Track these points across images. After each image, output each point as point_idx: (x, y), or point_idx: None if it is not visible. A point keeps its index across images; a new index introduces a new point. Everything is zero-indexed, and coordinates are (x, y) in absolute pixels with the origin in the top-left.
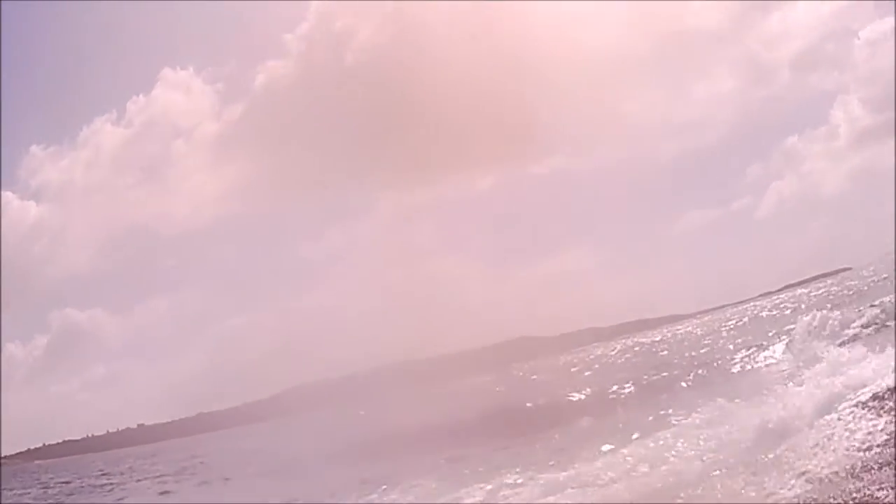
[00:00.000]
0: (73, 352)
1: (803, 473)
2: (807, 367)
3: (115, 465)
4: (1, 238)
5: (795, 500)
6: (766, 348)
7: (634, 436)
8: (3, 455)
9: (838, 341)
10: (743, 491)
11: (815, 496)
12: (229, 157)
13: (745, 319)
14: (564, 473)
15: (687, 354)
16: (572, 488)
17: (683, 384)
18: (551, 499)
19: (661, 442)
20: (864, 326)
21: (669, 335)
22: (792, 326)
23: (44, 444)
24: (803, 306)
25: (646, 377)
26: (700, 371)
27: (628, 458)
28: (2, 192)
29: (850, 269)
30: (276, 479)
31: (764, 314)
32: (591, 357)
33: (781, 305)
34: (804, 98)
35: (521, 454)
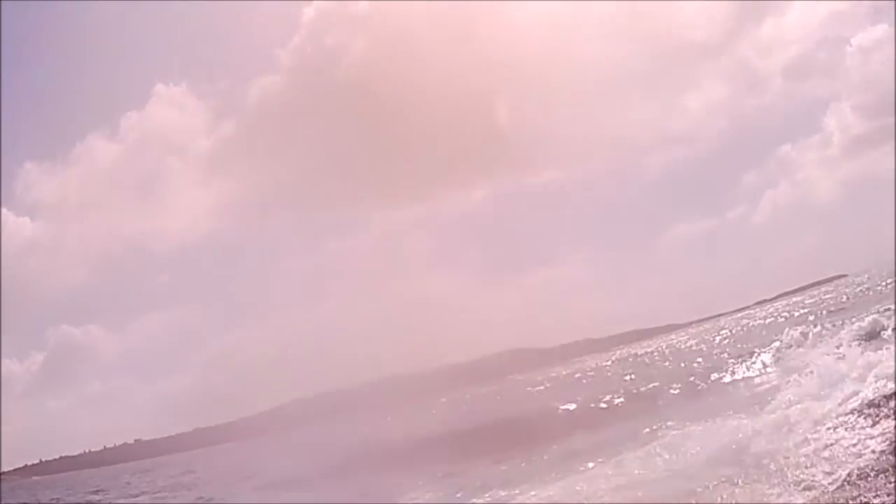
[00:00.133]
0: (70, 368)
1: (800, 482)
2: (794, 378)
3: (111, 481)
4: None
5: None
6: (755, 358)
7: (623, 450)
8: (1, 472)
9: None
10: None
11: None
12: (222, 173)
13: (738, 329)
14: (557, 487)
15: (683, 365)
16: None
17: (672, 394)
18: None
19: (653, 453)
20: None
21: (664, 346)
22: (780, 337)
23: (41, 461)
24: (797, 314)
25: (635, 390)
26: (690, 379)
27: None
28: None
29: (845, 276)
30: (274, 494)
31: (756, 323)
32: (587, 368)
33: (775, 314)
34: (797, 106)
35: (517, 469)
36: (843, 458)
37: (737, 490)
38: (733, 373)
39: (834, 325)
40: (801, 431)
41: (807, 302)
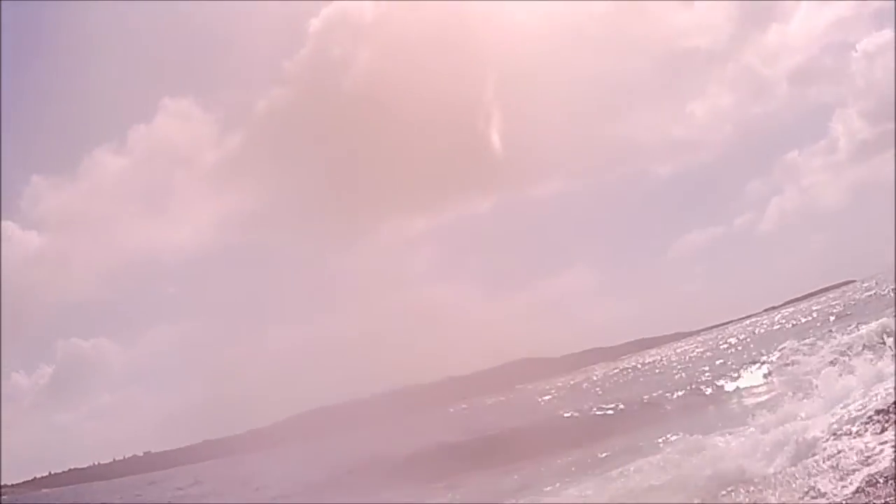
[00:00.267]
0: (79, 381)
1: (808, 491)
2: (798, 385)
3: (120, 493)
4: (2, 268)
5: None
6: (758, 366)
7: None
8: (10, 484)
9: (833, 359)
10: None
11: None
12: (230, 185)
13: (745, 337)
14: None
15: (686, 375)
16: None
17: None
18: None
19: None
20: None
21: (671, 353)
22: (785, 344)
23: (50, 473)
24: (804, 321)
25: (639, 398)
26: (693, 386)
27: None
28: (3, 222)
29: (853, 281)
30: None
31: (763, 331)
32: (594, 378)
33: (782, 321)
34: (803, 112)
35: (519, 481)
36: (852, 467)
37: (745, 499)
38: (738, 380)
39: (839, 331)
40: (808, 439)
41: (814, 308)
